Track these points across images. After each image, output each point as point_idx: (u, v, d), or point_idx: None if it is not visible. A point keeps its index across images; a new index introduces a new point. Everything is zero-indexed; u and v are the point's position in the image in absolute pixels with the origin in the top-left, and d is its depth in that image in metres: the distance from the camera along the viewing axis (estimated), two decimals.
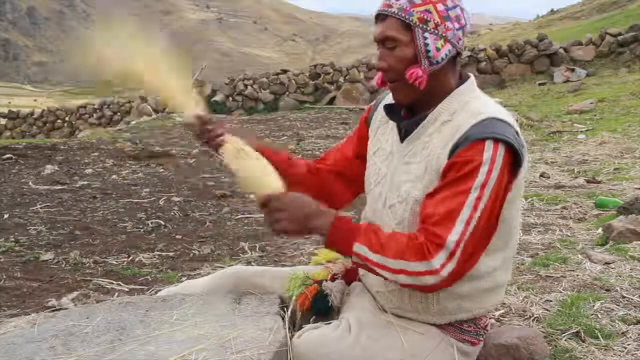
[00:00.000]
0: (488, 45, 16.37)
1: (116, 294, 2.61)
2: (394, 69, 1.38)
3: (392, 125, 1.51)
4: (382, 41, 1.38)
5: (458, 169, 1.30)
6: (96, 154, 7.94)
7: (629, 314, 2.12)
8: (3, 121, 19.69)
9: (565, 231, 3.42)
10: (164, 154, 7.43)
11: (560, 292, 2.39)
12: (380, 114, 1.58)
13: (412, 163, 1.42)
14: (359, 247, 1.30)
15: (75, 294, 2.60)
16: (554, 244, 3.12)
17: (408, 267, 1.27)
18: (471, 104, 1.39)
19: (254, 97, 16.76)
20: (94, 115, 18.53)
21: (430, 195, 1.34)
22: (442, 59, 1.36)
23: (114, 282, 2.80)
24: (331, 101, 16.11)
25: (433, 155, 1.37)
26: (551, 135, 7.80)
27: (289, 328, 1.44)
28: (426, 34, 1.34)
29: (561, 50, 15.15)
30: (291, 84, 16.82)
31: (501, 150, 1.29)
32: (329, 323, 1.46)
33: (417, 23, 1.33)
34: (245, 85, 16.89)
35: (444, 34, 1.35)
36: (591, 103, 9.81)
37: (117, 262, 3.15)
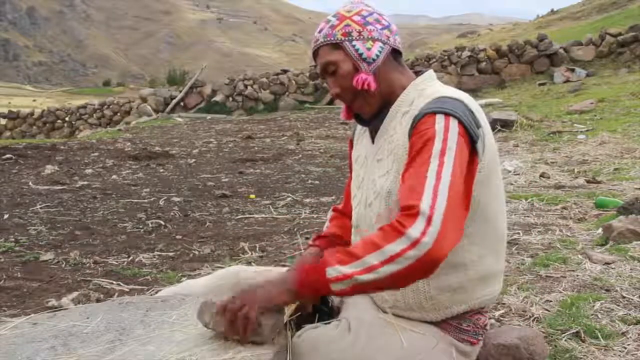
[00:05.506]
0: (488, 45, 16.40)
1: (116, 294, 2.61)
2: (345, 87, 1.46)
3: (367, 132, 1.58)
4: (325, 70, 1.48)
5: (414, 144, 1.33)
6: (96, 154, 7.95)
7: (629, 314, 2.12)
8: (3, 121, 19.69)
9: (565, 231, 3.41)
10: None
11: (560, 292, 2.39)
12: (357, 131, 1.67)
13: (383, 159, 1.47)
14: (332, 269, 1.24)
15: (75, 294, 2.60)
16: (554, 244, 3.12)
17: (389, 252, 1.19)
18: (427, 90, 1.45)
19: (254, 97, 16.77)
20: (94, 115, 18.55)
21: (401, 181, 1.36)
22: (377, 55, 1.44)
23: (114, 282, 2.80)
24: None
25: (398, 145, 1.42)
26: (551, 135, 7.80)
27: (289, 328, 1.44)
28: (354, 42, 1.44)
29: (561, 51, 15.17)
30: (291, 84, 16.83)
31: (453, 123, 1.31)
32: (329, 323, 1.46)
33: (342, 38, 1.44)
34: (245, 86, 16.90)
35: (369, 36, 1.44)
36: (591, 103, 9.82)
37: (117, 262, 3.15)
